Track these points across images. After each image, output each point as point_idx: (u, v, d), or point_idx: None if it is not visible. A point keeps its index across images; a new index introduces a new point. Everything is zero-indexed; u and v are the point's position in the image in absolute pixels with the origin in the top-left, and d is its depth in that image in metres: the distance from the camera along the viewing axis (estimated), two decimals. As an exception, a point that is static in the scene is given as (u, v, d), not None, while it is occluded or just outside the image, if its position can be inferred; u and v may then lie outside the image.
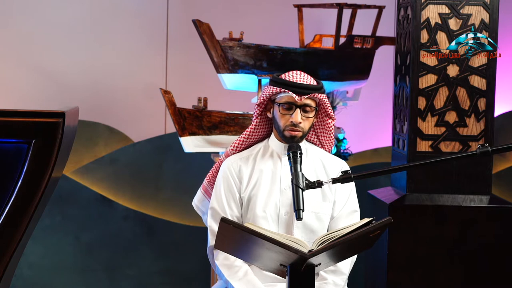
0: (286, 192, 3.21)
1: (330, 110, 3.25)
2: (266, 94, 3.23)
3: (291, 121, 3.16)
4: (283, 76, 3.20)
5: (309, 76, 3.21)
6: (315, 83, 3.19)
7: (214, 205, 3.25)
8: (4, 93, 5.52)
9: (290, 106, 3.17)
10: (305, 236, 3.16)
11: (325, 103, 3.22)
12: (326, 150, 3.35)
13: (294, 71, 3.21)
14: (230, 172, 3.26)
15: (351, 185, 3.27)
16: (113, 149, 5.66)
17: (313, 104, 3.19)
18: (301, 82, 3.16)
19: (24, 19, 5.50)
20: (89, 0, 5.59)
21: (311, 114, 3.19)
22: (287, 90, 3.15)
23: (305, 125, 3.19)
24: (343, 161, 3.33)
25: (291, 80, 3.17)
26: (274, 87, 3.19)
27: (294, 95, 3.14)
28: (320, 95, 3.17)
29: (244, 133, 3.33)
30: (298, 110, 3.16)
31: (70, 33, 5.54)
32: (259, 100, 3.26)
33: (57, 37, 5.53)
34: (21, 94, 5.55)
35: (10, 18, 5.51)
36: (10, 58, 5.52)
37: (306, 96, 3.15)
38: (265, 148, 3.30)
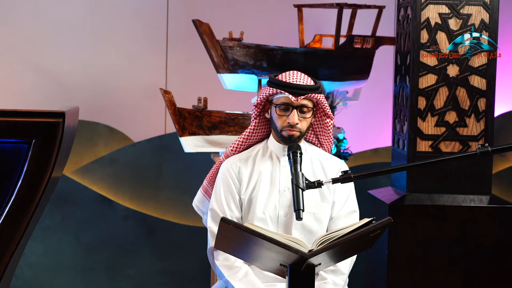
0: (285, 193, 3.21)
1: (328, 110, 3.25)
2: (263, 95, 3.23)
3: (288, 122, 3.16)
4: (280, 76, 3.20)
5: (306, 76, 3.20)
6: (312, 83, 3.18)
7: (214, 206, 3.25)
8: (4, 93, 5.53)
9: (287, 107, 3.17)
10: (303, 238, 3.15)
11: (323, 103, 3.22)
12: (325, 150, 3.35)
13: (291, 71, 3.21)
14: (230, 174, 3.25)
15: (350, 185, 3.26)
16: (113, 149, 5.66)
17: (310, 104, 3.18)
18: (298, 82, 3.15)
19: (25, 19, 5.50)
20: (89, 0, 5.59)
21: (308, 115, 3.19)
22: (283, 91, 3.15)
23: (303, 125, 3.18)
24: (342, 161, 3.33)
25: (287, 81, 3.16)
26: (271, 88, 3.19)
27: (290, 96, 3.14)
28: (317, 95, 3.17)
29: (244, 134, 3.33)
30: (295, 111, 3.16)
31: (70, 33, 5.54)
32: (256, 101, 3.26)
33: (57, 37, 5.53)
34: (21, 94, 5.55)
35: (11, 18, 5.51)
36: (11, 58, 5.53)
37: (303, 97, 3.15)
38: (264, 149, 3.30)
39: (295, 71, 3.21)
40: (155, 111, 5.62)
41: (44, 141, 2.51)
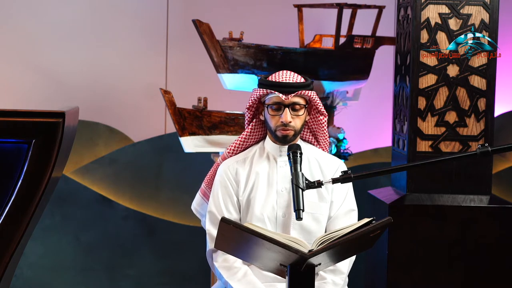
0: (283, 193, 3.21)
1: (321, 107, 3.25)
2: (254, 97, 3.24)
3: (281, 121, 3.16)
4: (270, 77, 3.21)
5: (296, 75, 3.21)
6: (302, 80, 3.19)
7: (212, 209, 3.25)
8: (4, 93, 5.53)
9: (279, 107, 3.18)
10: (302, 238, 3.14)
11: (315, 100, 3.22)
12: (321, 148, 3.35)
13: (281, 71, 3.22)
14: (227, 176, 3.26)
15: (348, 184, 3.26)
16: (113, 149, 5.66)
17: (302, 101, 3.19)
18: (287, 81, 3.16)
19: (25, 20, 5.50)
20: (89, 0, 5.59)
21: (301, 112, 3.19)
22: (273, 91, 3.16)
23: (296, 123, 3.19)
24: (340, 161, 3.32)
25: (277, 80, 3.17)
26: (261, 89, 3.20)
27: (280, 95, 3.15)
28: (308, 92, 3.17)
29: (240, 137, 3.33)
30: (286, 109, 3.16)
31: (70, 33, 5.54)
32: (248, 104, 3.26)
33: (58, 37, 5.53)
34: (21, 94, 5.55)
35: (11, 18, 5.51)
36: (11, 58, 5.53)
37: (293, 95, 3.15)
38: (261, 150, 3.30)
39: (285, 71, 3.22)
40: (155, 111, 5.62)
41: (44, 141, 2.51)
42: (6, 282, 2.58)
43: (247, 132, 3.31)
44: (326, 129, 3.32)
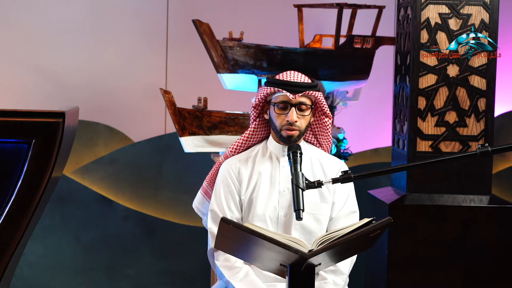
0: (284, 194, 3.21)
1: (326, 109, 3.26)
2: (261, 95, 3.23)
3: (287, 120, 3.17)
4: (277, 76, 3.22)
5: (303, 75, 3.22)
6: (309, 81, 3.20)
7: (214, 207, 3.25)
8: (4, 93, 5.52)
9: (285, 106, 3.18)
10: (303, 238, 3.15)
11: (321, 101, 3.22)
12: (324, 150, 3.35)
13: (288, 71, 3.23)
14: (230, 175, 3.25)
15: (350, 186, 3.26)
16: (113, 149, 5.66)
17: (308, 102, 3.19)
18: (295, 80, 3.17)
19: (25, 19, 5.50)
20: (89, 0, 5.59)
21: (307, 112, 3.19)
22: (281, 90, 3.16)
23: (302, 123, 3.19)
24: (341, 161, 3.33)
25: (285, 79, 3.18)
26: (269, 88, 3.20)
27: (288, 93, 3.15)
28: (315, 92, 3.18)
29: (243, 135, 3.33)
30: (293, 108, 3.17)
31: (70, 33, 5.54)
32: (255, 102, 3.26)
33: (57, 37, 5.53)
34: (21, 94, 5.55)
35: (11, 18, 5.51)
36: (10, 58, 5.53)
37: (301, 94, 3.16)
38: (264, 150, 3.30)
39: (292, 71, 3.23)
40: (155, 111, 5.62)
41: (44, 141, 2.51)
42: (6, 282, 2.58)
43: (250, 130, 3.31)
44: (330, 131, 3.33)
